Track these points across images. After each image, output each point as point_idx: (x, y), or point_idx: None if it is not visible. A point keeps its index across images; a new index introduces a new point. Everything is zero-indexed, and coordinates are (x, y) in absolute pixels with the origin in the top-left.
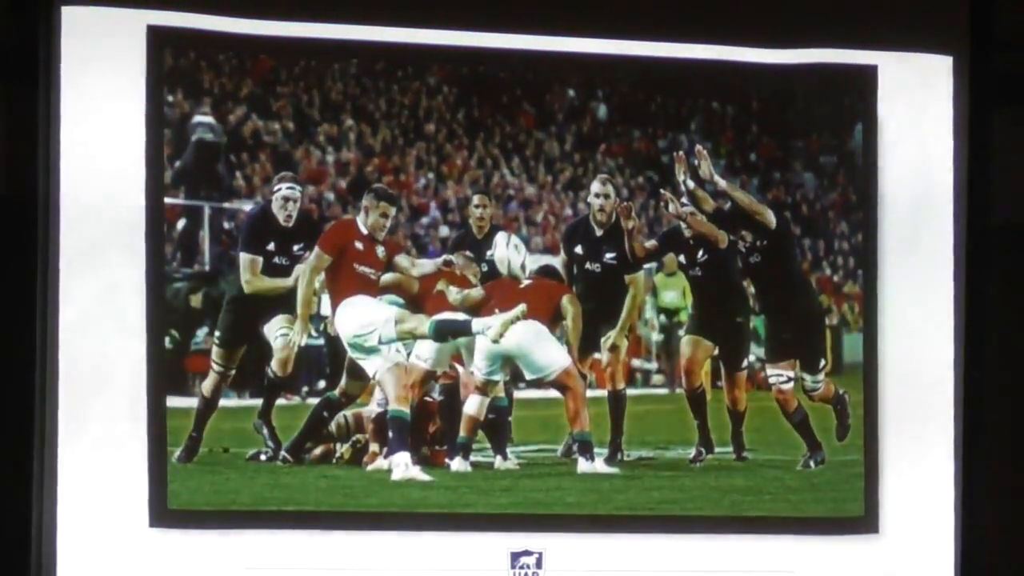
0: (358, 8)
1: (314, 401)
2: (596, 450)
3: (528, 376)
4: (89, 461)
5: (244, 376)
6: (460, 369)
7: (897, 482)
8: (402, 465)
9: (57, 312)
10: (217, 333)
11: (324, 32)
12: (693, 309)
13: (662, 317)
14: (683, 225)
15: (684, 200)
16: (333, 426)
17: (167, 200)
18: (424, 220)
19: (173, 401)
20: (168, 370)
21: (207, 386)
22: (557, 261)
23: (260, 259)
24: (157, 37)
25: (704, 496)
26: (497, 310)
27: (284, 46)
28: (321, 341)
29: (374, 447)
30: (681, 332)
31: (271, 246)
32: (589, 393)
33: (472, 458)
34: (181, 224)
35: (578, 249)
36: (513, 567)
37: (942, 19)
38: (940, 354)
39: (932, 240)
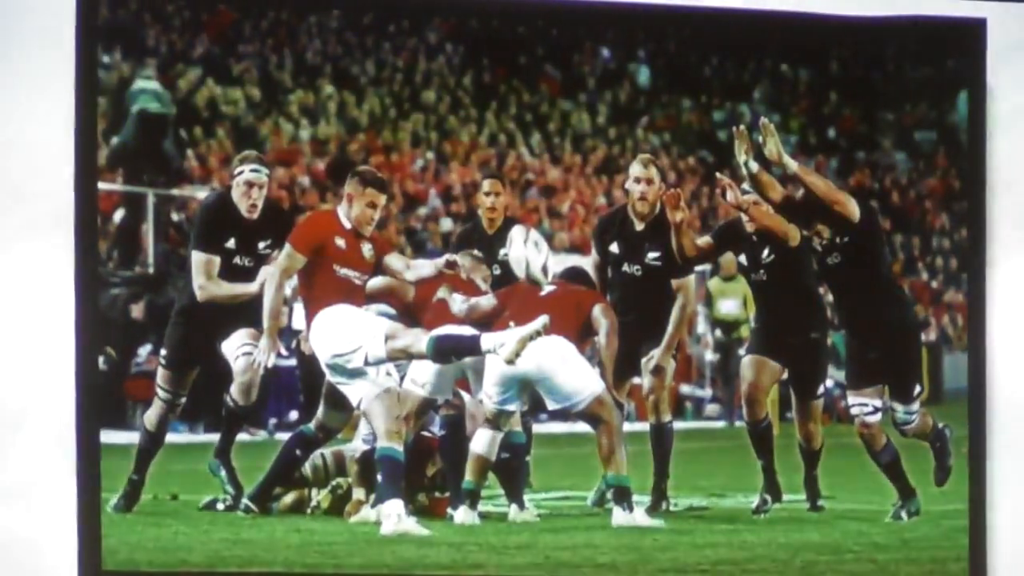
0: None
1: (284, 437)
2: (636, 498)
3: (551, 405)
4: (6, 510)
5: (197, 405)
6: (466, 397)
7: (1011, 538)
8: (394, 516)
9: None
10: (163, 351)
11: None
12: (756, 322)
13: (718, 332)
14: (744, 218)
15: (746, 186)
16: (308, 468)
17: (101, 185)
18: (422, 211)
19: (109, 436)
20: (103, 397)
21: (151, 417)
22: (587, 262)
23: (217, 259)
24: None
25: (770, 555)
26: (512, 323)
27: None
28: (293, 362)
29: (359, 494)
30: (741, 351)
31: (231, 243)
32: (627, 427)
33: (481, 507)
34: (119, 215)
35: (614, 247)
36: None
37: None
38: None
39: None
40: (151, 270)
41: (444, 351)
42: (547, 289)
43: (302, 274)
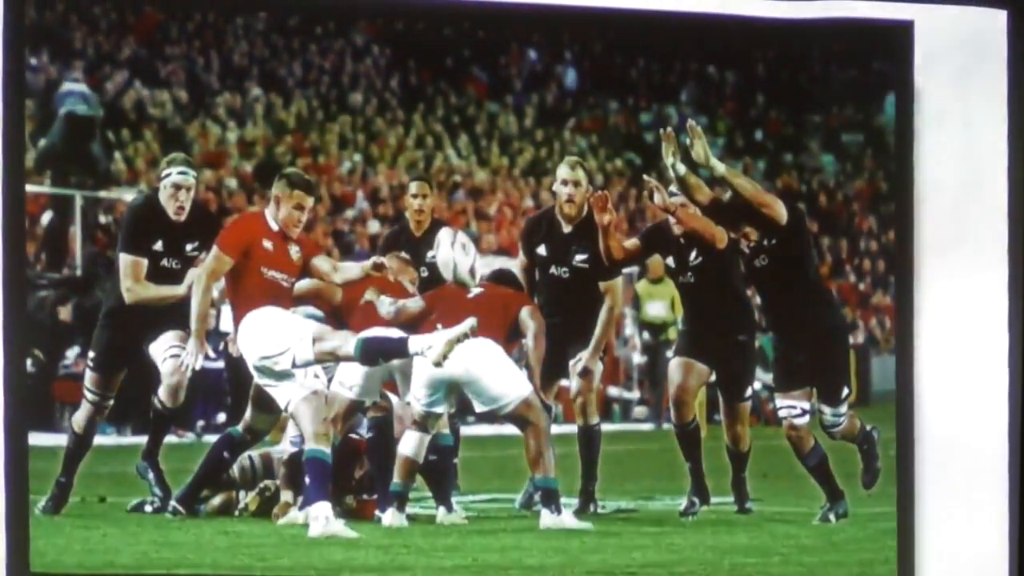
0: None
1: (212, 439)
2: (563, 500)
3: (479, 408)
4: None
5: (125, 407)
6: (394, 399)
7: (938, 541)
8: (321, 518)
9: None
10: (91, 354)
11: None
12: (684, 324)
13: (645, 334)
14: (672, 220)
15: (673, 189)
16: (236, 470)
17: (29, 188)
18: (349, 213)
19: (36, 438)
20: (31, 399)
21: (79, 419)
22: (515, 264)
23: (145, 261)
24: None
25: (698, 557)
26: (440, 325)
27: None
28: (220, 364)
29: (286, 496)
30: (669, 353)
31: (158, 245)
32: (555, 429)
33: (409, 509)
34: (46, 218)
35: (541, 250)
36: None
37: None
38: (992, 380)
39: (981, 238)
40: (79, 272)
41: (372, 353)
42: (475, 291)
43: (230, 276)
